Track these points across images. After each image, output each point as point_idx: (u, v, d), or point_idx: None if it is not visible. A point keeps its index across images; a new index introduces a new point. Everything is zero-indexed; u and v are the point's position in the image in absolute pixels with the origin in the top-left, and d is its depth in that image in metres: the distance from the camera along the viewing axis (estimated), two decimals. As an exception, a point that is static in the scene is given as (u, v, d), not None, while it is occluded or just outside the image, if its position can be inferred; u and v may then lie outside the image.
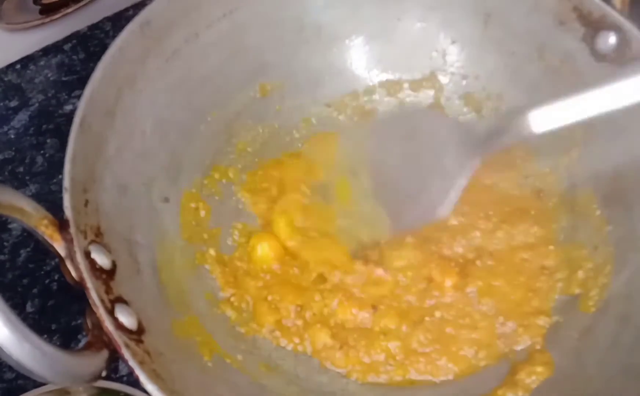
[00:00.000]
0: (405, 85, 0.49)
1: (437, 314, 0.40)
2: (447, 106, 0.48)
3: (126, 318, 0.31)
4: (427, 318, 0.40)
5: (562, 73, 0.43)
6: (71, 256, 0.30)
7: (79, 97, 0.36)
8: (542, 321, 0.39)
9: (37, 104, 0.56)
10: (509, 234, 0.42)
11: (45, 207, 0.30)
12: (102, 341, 0.29)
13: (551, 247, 0.42)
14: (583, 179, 0.43)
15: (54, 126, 0.55)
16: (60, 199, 0.31)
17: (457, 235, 0.42)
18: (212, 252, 0.42)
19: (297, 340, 0.39)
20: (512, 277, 0.41)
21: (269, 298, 0.40)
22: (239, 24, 0.45)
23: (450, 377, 0.38)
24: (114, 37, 0.38)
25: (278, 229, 0.42)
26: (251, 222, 0.44)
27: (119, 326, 0.30)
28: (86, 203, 0.33)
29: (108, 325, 0.29)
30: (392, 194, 0.42)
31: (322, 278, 0.41)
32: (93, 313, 0.29)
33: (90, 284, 0.30)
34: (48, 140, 0.54)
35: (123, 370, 0.42)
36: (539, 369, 0.37)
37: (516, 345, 0.39)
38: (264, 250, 0.42)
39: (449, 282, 0.41)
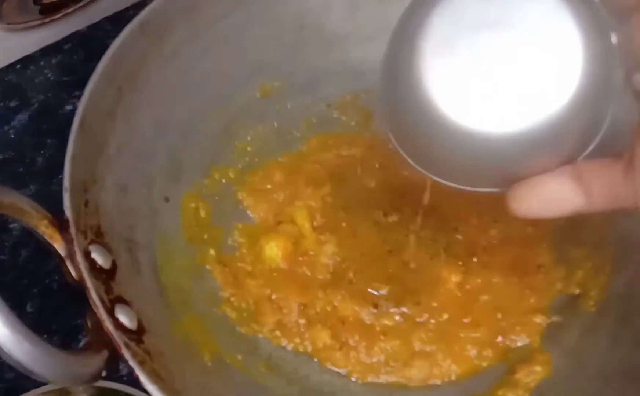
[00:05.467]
0: (406, 85, 0.49)
1: (443, 316, 0.40)
2: (447, 106, 0.48)
3: (126, 318, 0.31)
4: (430, 320, 0.40)
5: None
6: (71, 256, 0.30)
7: (79, 97, 0.36)
8: (540, 319, 0.40)
9: (37, 104, 0.56)
10: (502, 232, 0.43)
11: (45, 207, 0.30)
12: (102, 341, 0.29)
13: (544, 246, 0.42)
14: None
15: (54, 126, 0.55)
16: (60, 199, 0.31)
17: (452, 232, 0.43)
18: (212, 252, 0.42)
19: (297, 340, 0.40)
20: (509, 275, 0.41)
21: (273, 297, 0.41)
22: (239, 24, 0.45)
23: (452, 378, 0.38)
24: (114, 37, 0.38)
25: (302, 218, 0.43)
26: (251, 222, 0.44)
27: (119, 326, 0.30)
28: (86, 203, 0.33)
29: (108, 325, 0.29)
30: None
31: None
32: (93, 313, 0.29)
33: (90, 284, 0.30)
34: (48, 140, 0.54)
35: (123, 370, 0.42)
36: (538, 368, 0.37)
37: (514, 343, 0.39)
38: (272, 250, 0.42)
39: (454, 278, 0.41)
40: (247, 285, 0.41)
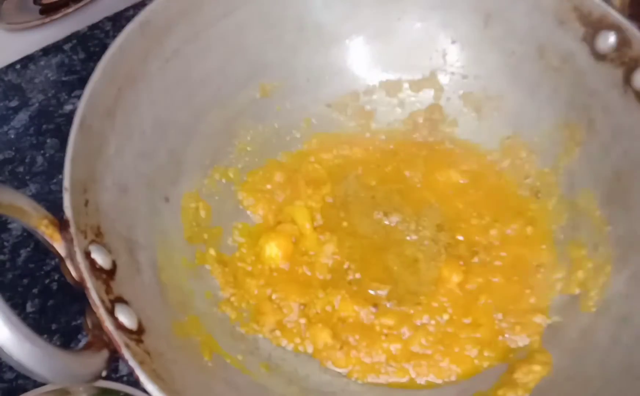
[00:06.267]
0: (405, 85, 0.49)
1: (444, 317, 0.40)
2: (447, 106, 0.48)
3: (126, 318, 0.31)
4: (430, 320, 0.40)
5: (562, 73, 0.43)
6: (71, 256, 0.30)
7: (79, 97, 0.36)
8: (540, 319, 0.40)
9: (37, 104, 0.56)
10: (502, 232, 0.43)
11: (45, 207, 0.30)
12: (102, 341, 0.29)
13: (544, 246, 0.42)
14: (583, 179, 0.43)
15: (54, 126, 0.55)
16: (60, 199, 0.31)
17: (452, 232, 0.43)
18: (212, 252, 0.42)
19: (297, 340, 0.40)
20: (509, 275, 0.41)
21: (273, 297, 0.41)
22: (239, 24, 0.45)
23: (453, 378, 0.38)
24: (114, 37, 0.38)
25: (302, 217, 0.43)
26: (251, 222, 0.44)
27: (119, 326, 0.30)
28: (86, 203, 0.33)
29: (108, 325, 0.29)
30: None
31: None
32: (93, 313, 0.29)
33: (90, 284, 0.30)
34: (48, 140, 0.54)
35: (123, 370, 0.42)
36: (536, 368, 0.37)
37: (514, 343, 0.39)
38: (272, 249, 0.42)
39: (455, 278, 0.41)
40: (247, 285, 0.41)
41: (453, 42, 0.48)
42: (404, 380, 0.39)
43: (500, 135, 0.47)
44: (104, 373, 0.29)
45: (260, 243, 0.42)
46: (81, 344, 0.43)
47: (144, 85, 0.40)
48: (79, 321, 0.44)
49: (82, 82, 0.35)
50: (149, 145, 0.40)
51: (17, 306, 0.45)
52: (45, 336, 0.44)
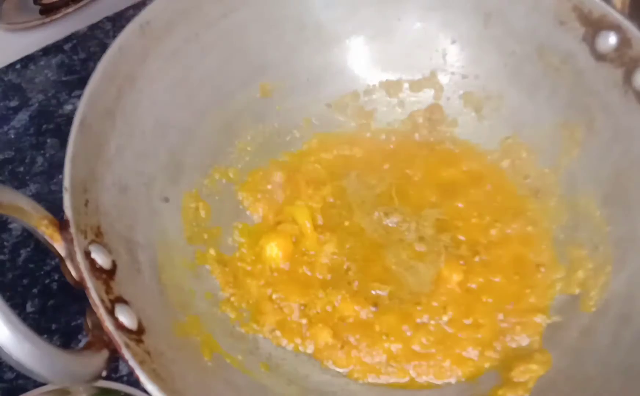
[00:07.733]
0: (405, 85, 0.49)
1: (445, 317, 0.40)
2: (447, 106, 0.48)
3: (126, 318, 0.31)
4: (431, 320, 0.40)
5: (562, 73, 0.43)
6: (71, 256, 0.30)
7: (79, 97, 0.36)
8: (540, 319, 0.40)
9: (37, 104, 0.56)
10: (502, 232, 0.43)
11: (45, 207, 0.30)
12: (102, 341, 0.29)
13: (544, 246, 0.42)
14: (583, 179, 0.43)
15: (54, 126, 0.55)
16: (60, 199, 0.31)
17: (452, 231, 0.43)
18: (212, 252, 0.42)
19: (298, 340, 0.40)
20: (509, 275, 0.41)
21: (273, 297, 0.41)
22: (239, 24, 0.45)
23: (453, 379, 0.38)
24: (114, 37, 0.38)
25: (303, 217, 0.43)
26: (251, 222, 0.44)
27: (119, 326, 0.30)
28: (86, 203, 0.33)
29: (108, 325, 0.29)
30: None
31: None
32: (93, 313, 0.29)
33: (90, 284, 0.30)
34: (48, 140, 0.54)
35: (123, 370, 0.42)
36: (533, 367, 0.37)
37: (515, 343, 0.39)
38: (272, 249, 0.42)
39: (455, 278, 0.41)
40: (247, 285, 0.41)
41: (453, 42, 0.48)
42: (404, 380, 0.39)
43: (500, 135, 0.47)
44: (104, 373, 0.29)
45: (261, 243, 0.42)
46: (81, 344, 0.43)
47: (144, 85, 0.40)
48: (79, 321, 0.44)
49: (82, 82, 0.35)
50: (149, 145, 0.40)
51: (17, 307, 0.45)
52: (45, 336, 0.44)
